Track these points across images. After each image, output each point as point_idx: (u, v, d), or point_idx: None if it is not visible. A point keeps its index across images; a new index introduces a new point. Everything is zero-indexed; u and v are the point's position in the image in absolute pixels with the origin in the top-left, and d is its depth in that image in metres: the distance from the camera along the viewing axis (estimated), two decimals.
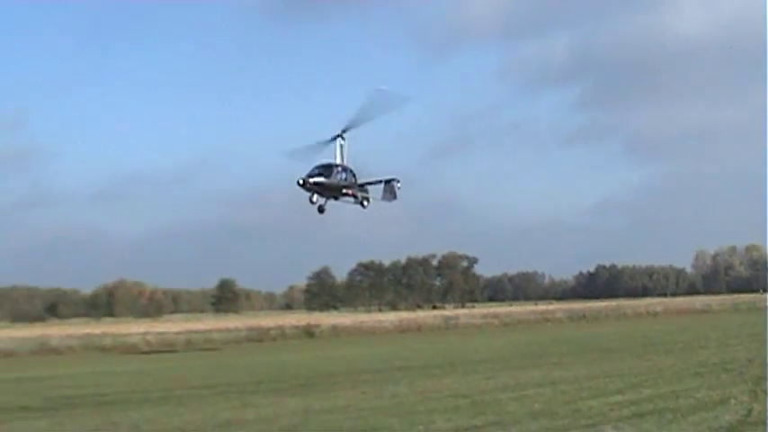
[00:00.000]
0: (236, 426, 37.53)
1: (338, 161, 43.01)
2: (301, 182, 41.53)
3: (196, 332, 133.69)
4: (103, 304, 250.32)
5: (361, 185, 44.95)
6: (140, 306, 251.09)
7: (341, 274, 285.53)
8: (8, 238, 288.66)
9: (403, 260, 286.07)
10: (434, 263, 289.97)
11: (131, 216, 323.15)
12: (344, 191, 43.19)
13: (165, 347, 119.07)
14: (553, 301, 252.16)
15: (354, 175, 43.62)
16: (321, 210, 43.54)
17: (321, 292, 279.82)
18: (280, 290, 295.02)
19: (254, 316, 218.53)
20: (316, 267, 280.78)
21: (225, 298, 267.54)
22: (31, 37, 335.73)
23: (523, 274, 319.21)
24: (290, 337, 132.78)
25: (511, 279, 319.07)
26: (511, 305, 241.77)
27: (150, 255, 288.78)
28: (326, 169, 42.21)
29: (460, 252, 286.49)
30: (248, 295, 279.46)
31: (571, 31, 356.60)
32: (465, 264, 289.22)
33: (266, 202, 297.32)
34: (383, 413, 39.66)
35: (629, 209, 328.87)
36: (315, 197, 42.28)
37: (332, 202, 44.14)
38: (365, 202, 45.13)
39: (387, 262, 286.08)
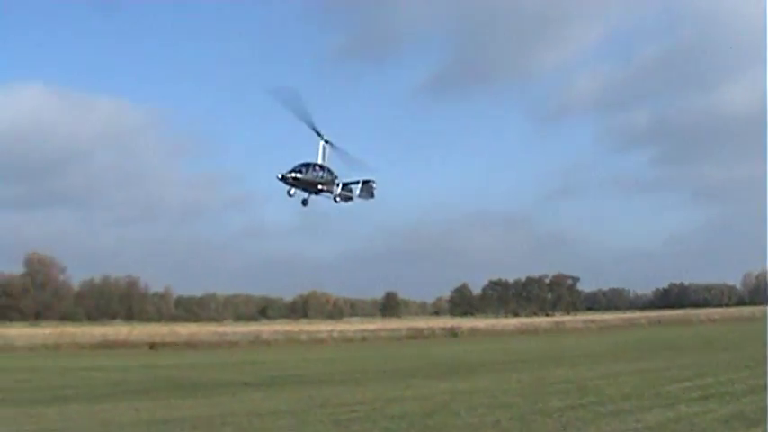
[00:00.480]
0: (400, 401, 37.75)
1: (319, 161, 39.79)
2: (280, 176, 38.42)
3: (368, 331, 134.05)
4: (300, 309, 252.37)
5: (345, 185, 41.20)
6: (327, 311, 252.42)
7: (476, 288, 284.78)
8: (233, 258, 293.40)
9: (523, 278, 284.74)
10: (547, 281, 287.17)
11: (321, 244, 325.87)
12: (320, 187, 39.77)
13: (345, 342, 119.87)
14: (636, 311, 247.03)
15: (332, 174, 40.04)
16: (305, 203, 40.10)
17: (461, 302, 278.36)
18: (430, 299, 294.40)
19: (411, 319, 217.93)
20: (457, 283, 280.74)
21: (389, 305, 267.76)
22: (240, 115, 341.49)
23: (614, 289, 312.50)
24: (438, 336, 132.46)
25: (605, 293, 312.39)
26: (604, 313, 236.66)
27: (334, 272, 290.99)
28: (305, 167, 39.14)
29: (566, 273, 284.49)
30: (406, 303, 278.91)
31: (650, 106, 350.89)
32: (570, 282, 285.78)
33: (419, 234, 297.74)
34: (511, 394, 39.58)
35: (694, 240, 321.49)
36: (292, 191, 38.81)
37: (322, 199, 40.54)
38: (338, 199, 40.88)
39: (511, 279, 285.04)
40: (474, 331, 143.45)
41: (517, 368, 57.56)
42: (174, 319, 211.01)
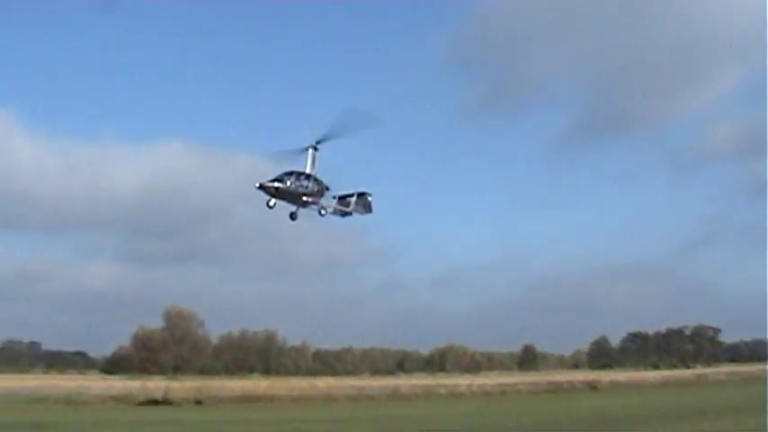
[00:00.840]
0: None
1: (308, 170, 36.24)
2: (258, 185, 35.15)
3: (507, 384, 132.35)
4: (437, 362, 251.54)
5: (342, 198, 38.09)
6: (464, 364, 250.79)
7: (615, 340, 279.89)
8: (370, 311, 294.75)
9: (663, 330, 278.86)
10: (687, 332, 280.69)
11: (457, 297, 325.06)
12: (306, 198, 36.26)
13: (484, 395, 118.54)
14: None
15: (321, 184, 36.66)
16: (293, 216, 36.74)
17: (600, 355, 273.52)
18: (568, 352, 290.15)
19: (549, 372, 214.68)
20: (596, 335, 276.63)
21: (527, 358, 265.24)
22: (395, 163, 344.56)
23: (757, 340, 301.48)
24: (577, 389, 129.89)
25: (747, 344, 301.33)
26: (747, 365, 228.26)
27: (471, 325, 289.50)
28: (288, 176, 35.66)
29: (707, 324, 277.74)
30: (544, 356, 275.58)
31: None
32: (711, 333, 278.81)
33: (557, 286, 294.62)
34: None
35: None
36: (272, 201, 35.26)
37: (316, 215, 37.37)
38: (323, 212, 37.32)
39: (650, 331, 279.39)
40: (614, 384, 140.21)
41: (660, 422, 55.98)
42: (311, 372, 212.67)
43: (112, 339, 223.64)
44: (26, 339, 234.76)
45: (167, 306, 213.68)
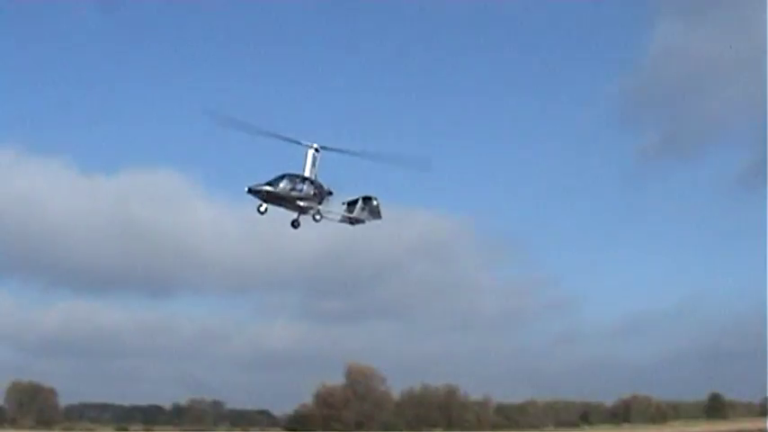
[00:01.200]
0: None
1: (307, 173, 34.04)
2: (247, 189, 33.28)
3: None
4: (622, 413, 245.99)
5: (349, 204, 36.39)
6: (650, 414, 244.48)
7: None
8: (551, 364, 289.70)
9: None
10: None
11: (640, 345, 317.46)
12: (302, 203, 33.92)
13: None
14: None
15: (319, 188, 34.23)
16: (294, 224, 34.66)
17: None
18: (756, 399, 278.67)
19: (738, 421, 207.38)
20: None
21: (714, 407, 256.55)
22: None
23: None
24: None
25: None
26: None
27: (655, 374, 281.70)
28: (282, 179, 33.47)
29: None
30: (732, 404, 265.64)
31: None
32: None
33: (744, 330, 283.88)
34: None
35: None
36: (263, 206, 33.23)
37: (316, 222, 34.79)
38: (318, 217, 34.77)
39: None
40: None
41: None
42: (494, 427, 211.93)
43: (294, 397, 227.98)
44: (209, 398, 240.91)
45: (349, 363, 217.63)
